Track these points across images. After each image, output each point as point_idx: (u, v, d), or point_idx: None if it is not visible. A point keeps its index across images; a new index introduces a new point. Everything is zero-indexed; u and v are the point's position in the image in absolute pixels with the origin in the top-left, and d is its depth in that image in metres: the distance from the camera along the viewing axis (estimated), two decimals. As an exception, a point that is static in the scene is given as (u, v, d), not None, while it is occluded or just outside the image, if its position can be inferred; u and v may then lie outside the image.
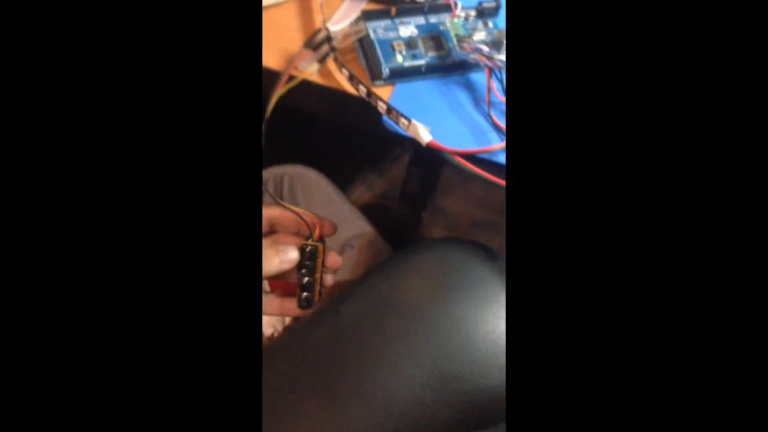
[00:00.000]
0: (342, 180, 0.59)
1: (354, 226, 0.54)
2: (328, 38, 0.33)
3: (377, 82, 0.34)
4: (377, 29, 0.35)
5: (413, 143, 0.31)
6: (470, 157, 0.31)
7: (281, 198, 0.54)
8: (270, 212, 0.34)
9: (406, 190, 0.74)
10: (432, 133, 0.32)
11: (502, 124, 0.33)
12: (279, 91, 0.32)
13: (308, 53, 0.33)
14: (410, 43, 0.35)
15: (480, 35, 0.35)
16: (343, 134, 0.70)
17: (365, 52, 0.34)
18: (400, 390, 0.30)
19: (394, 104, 0.33)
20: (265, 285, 0.35)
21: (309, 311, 0.34)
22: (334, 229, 0.35)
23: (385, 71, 0.33)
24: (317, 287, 0.34)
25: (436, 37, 0.35)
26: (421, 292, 0.32)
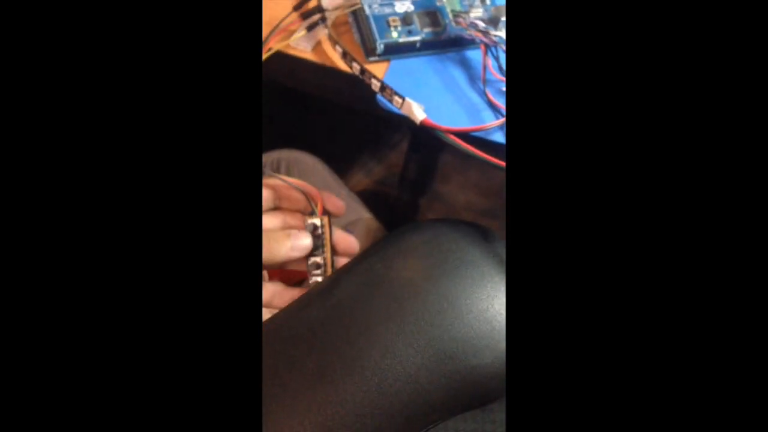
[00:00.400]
0: (340, 166, 0.59)
1: (352, 211, 0.54)
2: (319, 7, 0.33)
3: (372, 58, 0.33)
4: (372, 4, 0.34)
5: (411, 127, 0.31)
6: (465, 135, 0.31)
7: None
8: (272, 186, 0.31)
9: (405, 176, 0.73)
10: (426, 111, 0.31)
11: (498, 102, 0.32)
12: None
13: (298, 21, 0.33)
14: (406, 19, 0.34)
15: (477, 12, 0.35)
16: (340, 119, 0.69)
17: (360, 28, 0.34)
18: (393, 369, 0.30)
19: (390, 81, 0.32)
20: (264, 274, 0.34)
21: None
22: (341, 208, 0.32)
23: (380, 47, 0.33)
24: (328, 268, 0.31)
25: (432, 13, 0.35)
26: (415, 271, 0.31)
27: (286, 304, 0.32)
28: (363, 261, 0.33)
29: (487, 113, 0.32)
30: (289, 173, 0.54)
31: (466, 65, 0.34)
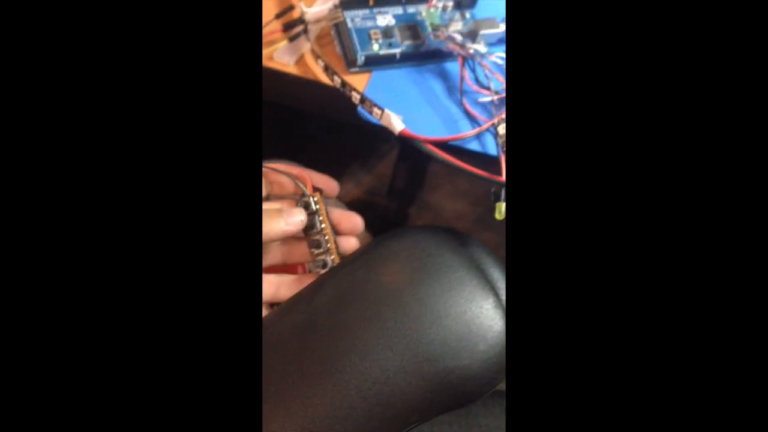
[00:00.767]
0: (330, 176, 0.59)
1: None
2: (301, 19, 0.34)
3: (352, 69, 0.34)
4: (355, 18, 0.35)
5: (400, 137, 0.32)
6: (442, 144, 0.32)
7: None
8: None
9: (394, 186, 0.74)
10: (406, 121, 0.32)
11: (475, 112, 0.33)
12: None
13: (278, 29, 0.34)
14: (387, 32, 0.35)
15: (456, 25, 0.36)
16: (328, 130, 0.70)
17: (341, 40, 0.35)
18: (372, 372, 0.31)
19: (371, 92, 0.33)
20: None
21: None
22: (334, 187, 0.32)
23: (360, 59, 0.34)
24: (331, 247, 0.30)
25: (412, 27, 0.36)
26: (395, 277, 0.32)
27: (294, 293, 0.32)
28: (345, 267, 0.34)
29: (464, 123, 0.33)
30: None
31: (444, 77, 0.35)
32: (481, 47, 0.33)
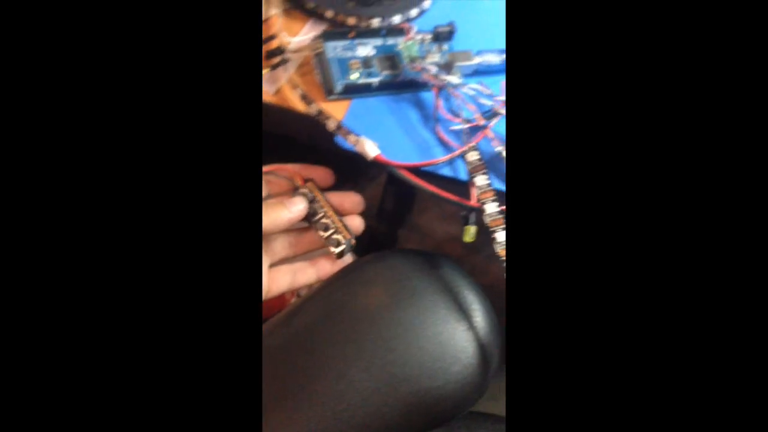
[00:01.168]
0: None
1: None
2: (280, 49, 0.35)
3: (331, 97, 0.35)
4: (336, 48, 0.37)
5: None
6: (416, 170, 0.33)
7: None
8: None
9: (383, 208, 0.75)
10: (382, 147, 0.33)
11: (448, 139, 0.35)
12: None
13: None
14: (366, 62, 0.37)
15: (434, 57, 0.37)
16: (316, 157, 0.72)
17: (322, 69, 0.36)
18: (348, 394, 0.31)
19: (350, 120, 0.35)
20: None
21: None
22: (330, 176, 0.35)
23: (338, 87, 0.35)
24: (339, 227, 0.33)
25: (391, 58, 0.37)
26: (371, 300, 0.33)
27: (311, 281, 0.34)
28: (323, 290, 0.35)
29: (438, 149, 0.35)
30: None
31: (420, 105, 0.36)
32: (455, 79, 0.35)
